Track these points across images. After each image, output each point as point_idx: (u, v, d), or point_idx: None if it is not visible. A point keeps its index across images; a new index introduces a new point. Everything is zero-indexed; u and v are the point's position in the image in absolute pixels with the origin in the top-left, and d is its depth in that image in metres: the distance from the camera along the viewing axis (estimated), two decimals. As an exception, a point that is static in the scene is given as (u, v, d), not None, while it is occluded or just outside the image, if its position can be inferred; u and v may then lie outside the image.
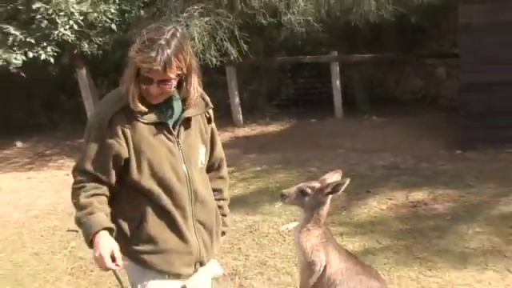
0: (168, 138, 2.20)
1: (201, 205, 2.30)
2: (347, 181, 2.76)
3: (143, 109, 2.13)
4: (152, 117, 2.16)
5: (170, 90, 2.14)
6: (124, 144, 2.13)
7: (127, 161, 2.15)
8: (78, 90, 9.74)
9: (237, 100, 10.00)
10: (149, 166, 2.16)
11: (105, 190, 2.18)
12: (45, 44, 7.86)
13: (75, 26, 7.92)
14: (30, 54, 7.81)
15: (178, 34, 2.09)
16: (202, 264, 2.35)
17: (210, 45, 8.36)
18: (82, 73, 9.63)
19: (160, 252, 2.22)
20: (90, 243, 2.07)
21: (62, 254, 4.87)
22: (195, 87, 2.21)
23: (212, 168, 2.50)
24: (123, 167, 2.16)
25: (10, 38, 7.67)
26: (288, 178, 6.46)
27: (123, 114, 2.13)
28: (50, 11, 7.54)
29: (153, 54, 2.02)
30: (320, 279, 2.75)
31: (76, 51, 8.82)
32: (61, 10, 7.58)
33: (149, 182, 2.17)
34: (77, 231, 2.19)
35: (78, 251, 4.68)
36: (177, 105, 2.23)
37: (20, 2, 7.81)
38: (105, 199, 2.17)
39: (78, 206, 2.12)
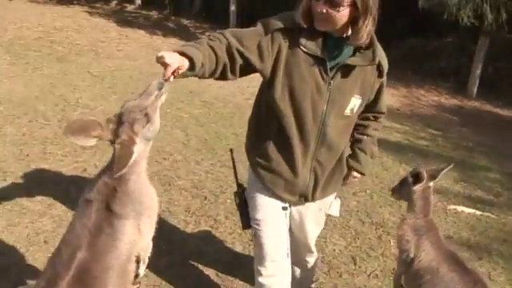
0: (321, 76, 2.07)
1: (327, 149, 2.23)
2: (423, 172, 2.53)
3: (302, 23, 2.00)
4: (313, 48, 2.04)
5: (335, 18, 1.95)
6: (270, 58, 2.05)
7: (272, 77, 2.09)
8: None
9: (478, 72, 9.11)
10: (290, 93, 2.09)
11: (223, 58, 1.99)
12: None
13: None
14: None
15: None
16: (306, 199, 2.34)
17: (467, 1, 7.65)
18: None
19: (270, 170, 2.26)
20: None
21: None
22: (368, 31, 2.00)
23: (368, 114, 2.37)
24: (268, 83, 2.11)
25: None
26: (481, 166, 5.90)
27: (289, 33, 2.04)
28: None
29: None
30: (409, 270, 2.57)
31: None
32: None
33: (286, 107, 2.11)
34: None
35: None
36: (347, 49, 2.08)
37: None
38: (214, 59, 1.96)
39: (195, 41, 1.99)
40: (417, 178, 2.59)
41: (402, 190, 2.72)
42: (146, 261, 2.14)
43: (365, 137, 2.42)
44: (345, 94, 2.14)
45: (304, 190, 2.31)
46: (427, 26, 10.22)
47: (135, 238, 1.99)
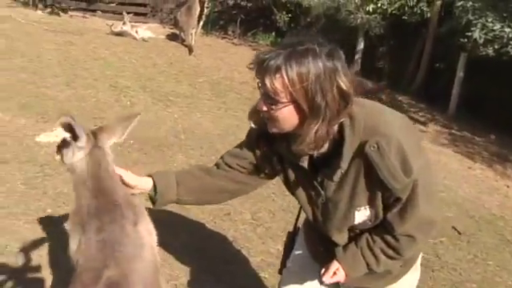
0: (310, 187, 1.85)
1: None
2: None
3: (252, 124, 1.83)
4: (293, 158, 1.81)
5: (277, 118, 1.66)
6: None
7: None
8: None
9: None
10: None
11: None
12: None
13: None
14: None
15: (317, 59, 1.55)
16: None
17: None
18: None
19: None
20: None
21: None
22: (318, 136, 1.63)
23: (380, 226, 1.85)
24: None
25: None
26: None
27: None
28: None
29: (266, 55, 1.60)
30: None
31: None
32: None
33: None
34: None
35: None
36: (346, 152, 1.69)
37: None
38: None
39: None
40: None
41: None
42: None
43: (366, 242, 1.91)
44: (340, 208, 1.83)
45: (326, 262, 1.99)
46: None
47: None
